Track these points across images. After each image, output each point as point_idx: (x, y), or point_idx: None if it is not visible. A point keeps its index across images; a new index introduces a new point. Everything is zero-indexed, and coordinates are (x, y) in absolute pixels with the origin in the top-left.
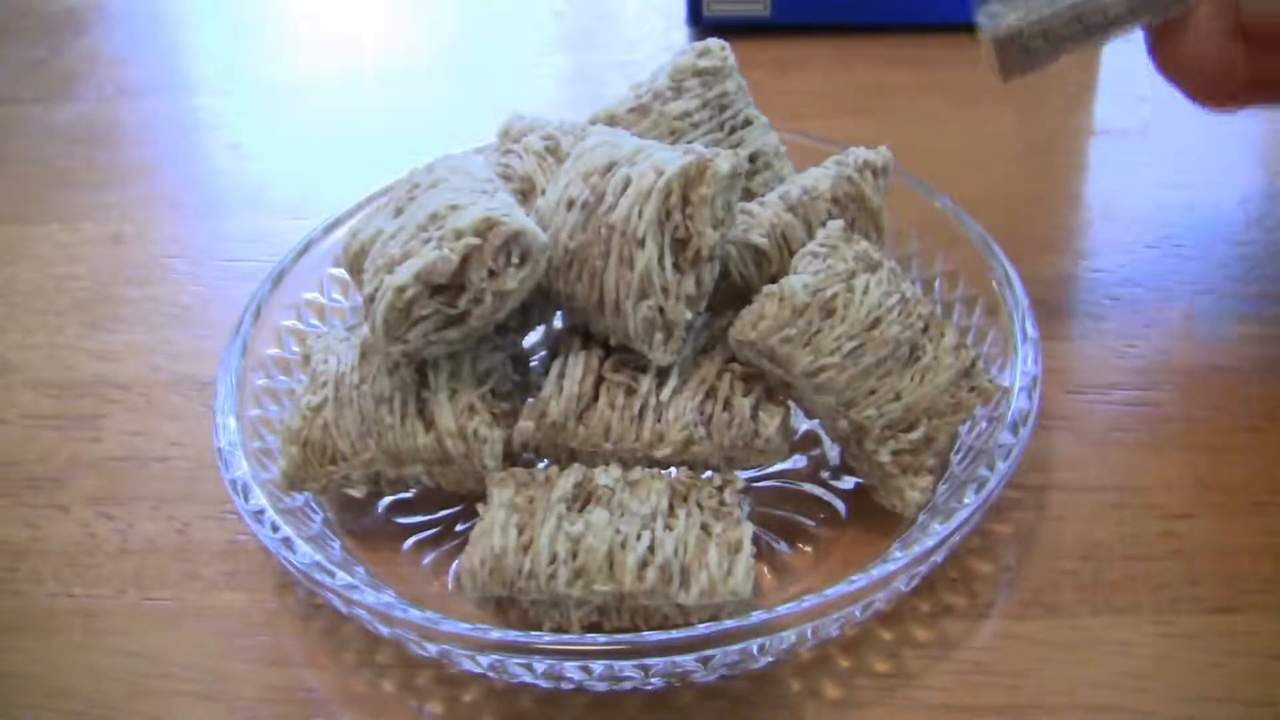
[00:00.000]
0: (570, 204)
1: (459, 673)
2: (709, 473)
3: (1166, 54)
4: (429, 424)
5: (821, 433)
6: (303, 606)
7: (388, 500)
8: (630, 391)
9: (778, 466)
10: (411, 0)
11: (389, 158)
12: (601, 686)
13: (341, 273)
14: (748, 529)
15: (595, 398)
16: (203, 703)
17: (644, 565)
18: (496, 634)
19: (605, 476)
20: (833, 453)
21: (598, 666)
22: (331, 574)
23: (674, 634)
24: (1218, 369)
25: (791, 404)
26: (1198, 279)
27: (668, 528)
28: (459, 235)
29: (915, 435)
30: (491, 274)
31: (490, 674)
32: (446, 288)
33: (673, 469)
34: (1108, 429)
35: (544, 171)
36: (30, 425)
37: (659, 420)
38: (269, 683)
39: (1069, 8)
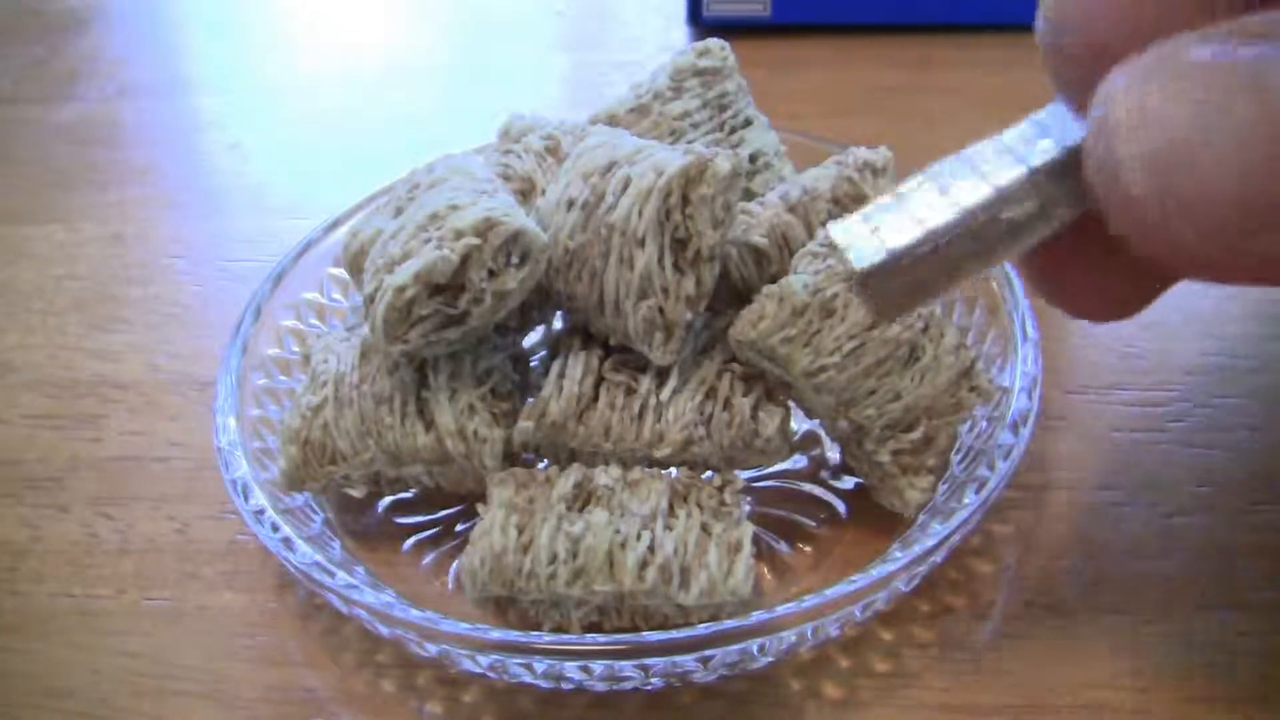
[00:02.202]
0: (570, 204)
1: (459, 673)
2: (709, 473)
3: (1033, 274)
4: (429, 424)
5: (821, 433)
6: (303, 606)
7: (388, 500)
8: (630, 391)
9: (778, 466)
10: (411, 0)
11: (389, 157)
12: (601, 686)
13: (341, 273)
14: (748, 529)
15: (595, 398)
16: (203, 703)
17: (644, 565)
18: (496, 634)
19: (605, 476)
20: (833, 453)
21: (598, 666)
22: (331, 574)
23: (674, 634)
24: (1217, 368)
25: (791, 404)
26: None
27: (668, 528)
28: (459, 235)
29: (915, 435)
30: (491, 274)
31: (490, 674)
32: (446, 288)
33: (673, 469)
34: (1108, 429)
35: (544, 171)
36: (30, 425)
37: (659, 420)
38: (269, 683)
39: (961, 218)
